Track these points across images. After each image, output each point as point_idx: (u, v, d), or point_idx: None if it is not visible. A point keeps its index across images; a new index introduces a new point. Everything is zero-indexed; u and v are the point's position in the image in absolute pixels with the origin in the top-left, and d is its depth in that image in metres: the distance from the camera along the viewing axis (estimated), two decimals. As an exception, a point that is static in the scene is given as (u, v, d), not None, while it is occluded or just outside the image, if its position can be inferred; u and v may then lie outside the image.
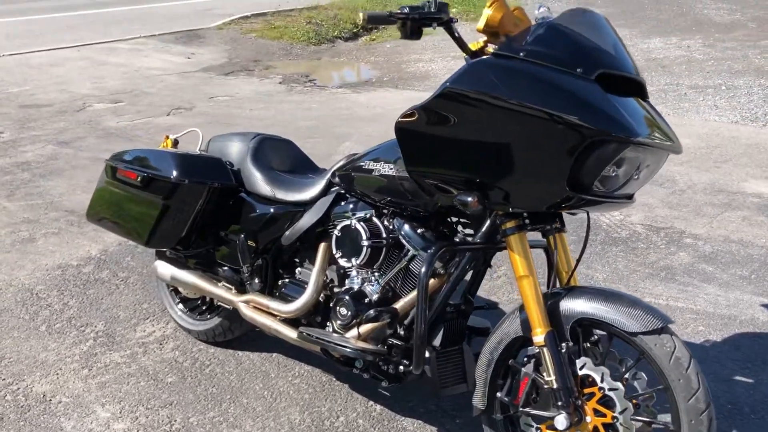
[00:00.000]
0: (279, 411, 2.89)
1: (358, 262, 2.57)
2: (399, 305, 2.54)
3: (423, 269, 2.30)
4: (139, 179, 3.02)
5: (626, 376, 2.24)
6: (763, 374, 3.07)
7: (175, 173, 2.93)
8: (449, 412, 2.88)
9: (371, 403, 2.94)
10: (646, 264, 4.15)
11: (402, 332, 2.55)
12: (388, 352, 2.52)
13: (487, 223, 2.41)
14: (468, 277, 2.64)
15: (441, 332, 2.54)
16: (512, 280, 3.89)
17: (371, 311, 2.46)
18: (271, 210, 2.92)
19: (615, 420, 2.13)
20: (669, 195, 5.17)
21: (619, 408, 2.12)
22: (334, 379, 3.10)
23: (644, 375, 2.26)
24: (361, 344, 2.51)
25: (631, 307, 2.14)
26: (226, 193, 3.01)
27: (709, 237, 4.48)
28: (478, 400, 2.40)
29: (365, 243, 2.54)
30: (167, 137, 3.40)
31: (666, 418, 2.13)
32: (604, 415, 2.15)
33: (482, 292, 3.77)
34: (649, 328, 2.09)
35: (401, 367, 2.51)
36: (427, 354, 2.46)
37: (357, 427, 2.80)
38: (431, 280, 2.51)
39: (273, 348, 3.31)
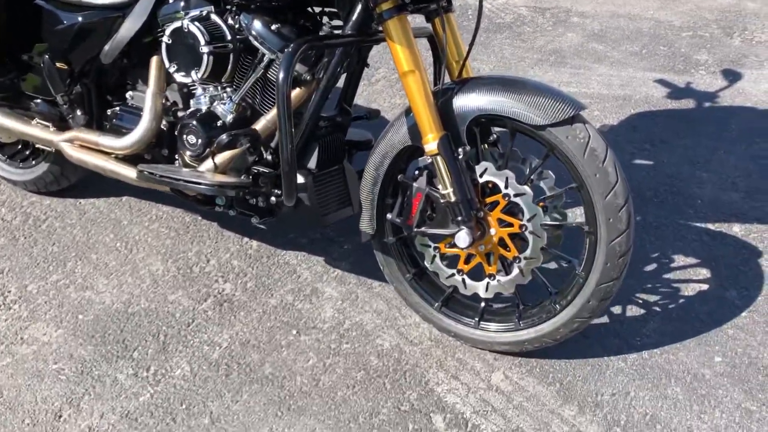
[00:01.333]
0: (137, 263, 2.46)
1: (199, 75, 2.03)
2: (260, 125, 2.06)
3: (280, 75, 1.81)
4: None
5: (532, 177, 1.94)
6: (663, 154, 2.91)
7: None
8: (335, 240, 2.54)
9: (246, 240, 2.55)
10: (535, 49, 3.81)
11: (269, 157, 2.10)
12: (254, 182, 2.09)
13: (358, 7, 1.91)
14: (341, 82, 2.18)
15: (315, 152, 2.11)
16: (394, 84, 3.46)
17: (226, 136, 1.97)
18: (80, 19, 2.25)
19: (523, 229, 1.84)
20: (552, -28, 4.75)
21: (527, 214, 1.83)
22: (200, 218, 2.66)
23: (551, 174, 1.96)
24: (219, 177, 2.05)
25: (535, 95, 1.78)
26: (15, 0, 2.30)
27: (596, 14, 4.16)
28: (366, 224, 2.05)
29: (205, 49, 1.99)
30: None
31: (578, 218, 1.87)
32: (511, 225, 1.86)
33: (360, 100, 3.33)
34: (558, 118, 1.75)
35: (273, 198, 2.09)
36: (301, 179, 2.05)
37: (232, 269, 2.43)
38: (296, 90, 2.03)
39: (122, 191, 2.79)
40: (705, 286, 2.25)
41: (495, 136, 2.02)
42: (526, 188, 1.83)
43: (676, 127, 3.08)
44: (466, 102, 1.83)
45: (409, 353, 2.07)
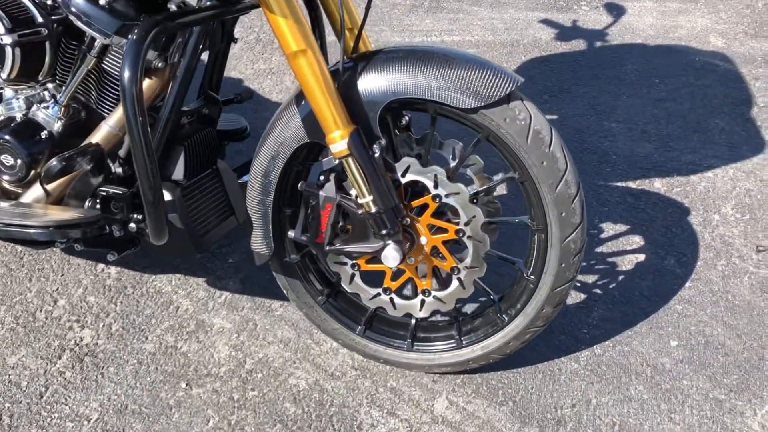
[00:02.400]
0: (-42, 319, 1.89)
1: (5, 74, 1.48)
2: (102, 134, 1.55)
3: (126, 74, 1.31)
4: None
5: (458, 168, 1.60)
6: (565, 105, 2.67)
7: None
8: (217, 253, 2.09)
9: (101, 266, 2.04)
10: (406, -7, 3.42)
11: (120, 170, 1.60)
12: (104, 209, 1.59)
13: (217, -33, 1.44)
14: (205, 63, 1.71)
15: (181, 158, 1.64)
16: (254, 46, 2.95)
17: (56, 161, 1.45)
18: None
19: (460, 234, 1.50)
20: None
21: (464, 217, 1.49)
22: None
23: (478, 159, 1.63)
24: (54, 213, 1.52)
25: (461, 69, 1.41)
26: None
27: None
28: (260, 244, 1.63)
29: (6, 39, 1.44)
30: None
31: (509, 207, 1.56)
32: (445, 230, 1.52)
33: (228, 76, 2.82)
34: (493, 98, 1.40)
35: (132, 225, 1.60)
36: (166, 196, 1.59)
37: (89, 309, 1.92)
38: (146, 82, 1.54)
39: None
40: (641, 257, 2.05)
41: (407, 118, 1.64)
42: (461, 186, 1.48)
43: (573, 73, 2.85)
44: (376, 84, 1.44)
45: (333, 391, 1.71)
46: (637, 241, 2.10)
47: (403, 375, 1.74)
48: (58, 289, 1.99)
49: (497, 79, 1.40)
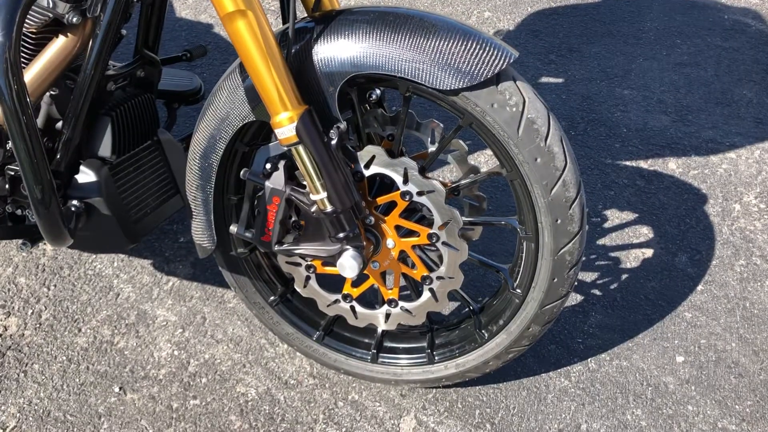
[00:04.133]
0: None
1: None
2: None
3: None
4: None
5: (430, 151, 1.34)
6: (573, 67, 2.36)
7: None
8: (167, 230, 1.85)
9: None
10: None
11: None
12: (12, 190, 1.33)
13: None
14: (139, 17, 1.42)
15: (107, 129, 1.37)
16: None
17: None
18: None
19: (433, 239, 1.25)
20: None
21: (438, 220, 1.24)
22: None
23: (463, 144, 1.36)
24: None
25: (441, 40, 1.13)
26: None
27: None
28: (201, 235, 1.38)
29: None
30: None
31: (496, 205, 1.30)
32: (416, 234, 1.27)
33: (198, 20, 2.52)
34: (479, 77, 1.12)
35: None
36: (91, 176, 1.33)
37: (18, 292, 1.69)
38: (62, 39, 1.27)
39: None
40: (649, 252, 1.79)
41: (378, 92, 1.36)
42: (436, 184, 1.22)
43: (585, 29, 2.53)
44: (335, 53, 1.15)
45: (285, 402, 1.49)
46: (645, 233, 1.84)
47: (366, 387, 1.52)
48: (-17, 268, 1.76)
49: (485, 54, 1.12)
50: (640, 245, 1.81)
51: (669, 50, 2.44)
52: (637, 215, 1.88)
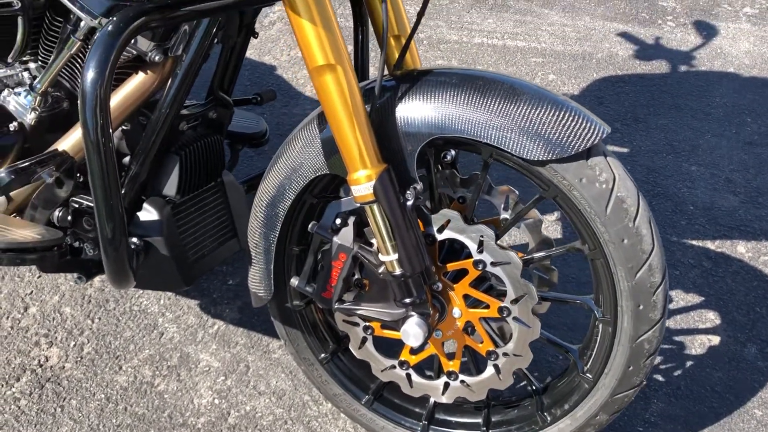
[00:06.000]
0: None
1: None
2: (74, 136, 1.27)
3: (89, 71, 1.01)
4: None
5: (504, 216, 1.29)
6: (639, 138, 2.31)
7: None
8: (217, 271, 1.82)
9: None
10: (470, -13, 3.07)
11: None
12: (74, 223, 1.31)
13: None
14: (219, 59, 1.41)
15: (176, 169, 1.35)
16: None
17: (6, 173, 1.16)
18: None
19: (504, 313, 1.19)
20: None
21: (511, 294, 1.18)
22: None
23: (538, 214, 1.31)
24: (13, 229, 1.24)
25: (530, 107, 1.08)
26: None
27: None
28: (259, 284, 1.33)
29: (-34, 9, 1.16)
30: None
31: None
32: (485, 306, 1.21)
33: (261, 61, 2.53)
34: (569, 150, 1.07)
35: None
36: (153, 214, 1.31)
37: (62, 323, 1.66)
38: (141, 76, 1.26)
39: None
40: (715, 339, 1.70)
41: (453, 153, 1.32)
42: (513, 255, 1.16)
43: (651, 100, 2.48)
44: (419, 113, 1.12)
45: (326, 467, 1.42)
46: (711, 318, 1.75)
47: (412, 458, 1.44)
48: (32, 293, 1.74)
49: (577, 126, 1.07)
50: (706, 331, 1.72)
51: (738, 128, 2.38)
52: (703, 299, 1.79)
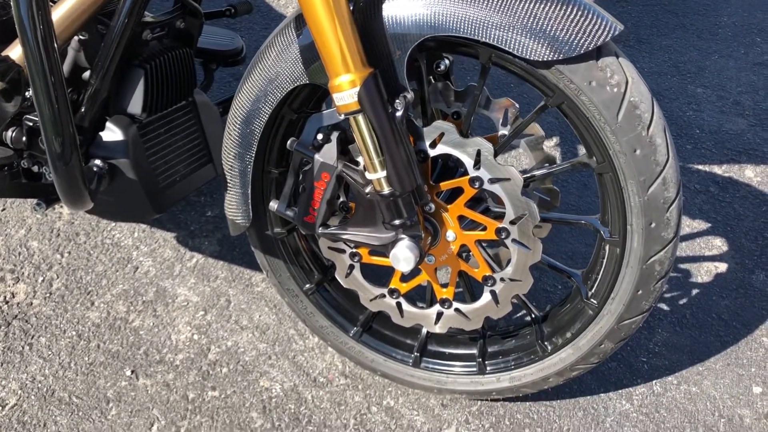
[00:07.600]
0: None
1: None
2: (18, 47, 1.14)
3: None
4: None
5: (504, 132, 1.18)
6: (642, 59, 2.17)
7: None
8: (194, 202, 1.70)
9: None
10: None
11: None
12: (29, 144, 1.19)
13: None
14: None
15: (140, 84, 1.22)
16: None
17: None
18: None
19: (503, 235, 1.09)
20: None
21: (511, 213, 1.07)
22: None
23: (539, 129, 1.20)
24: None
25: (536, 2, 0.96)
26: None
27: None
28: (236, 210, 1.22)
29: None
30: None
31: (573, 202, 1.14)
32: (482, 228, 1.11)
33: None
34: (577, 49, 0.95)
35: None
36: (118, 134, 1.19)
37: (29, 257, 1.56)
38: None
39: None
40: (722, 266, 1.62)
41: (447, 61, 1.20)
42: (513, 171, 1.05)
43: (655, 20, 2.34)
44: (409, 11, 0.99)
45: (313, 402, 1.34)
46: (718, 245, 1.66)
47: (404, 392, 1.36)
48: (-5, 226, 1.63)
49: (586, 23, 0.95)
50: (712, 258, 1.63)
51: (747, 48, 2.25)
52: (710, 225, 1.70)
